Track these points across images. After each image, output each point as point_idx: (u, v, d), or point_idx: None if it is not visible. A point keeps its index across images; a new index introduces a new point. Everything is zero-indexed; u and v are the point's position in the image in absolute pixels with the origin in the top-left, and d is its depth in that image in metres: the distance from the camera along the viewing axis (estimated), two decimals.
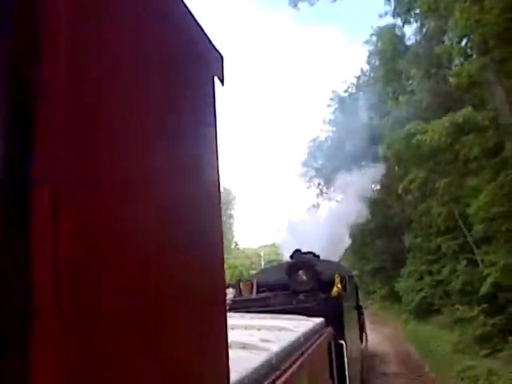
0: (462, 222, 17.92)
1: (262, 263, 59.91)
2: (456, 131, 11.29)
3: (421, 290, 22.13)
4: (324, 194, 38.21)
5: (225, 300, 0.96)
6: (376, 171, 25.34)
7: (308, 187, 39.73)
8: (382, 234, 30.67)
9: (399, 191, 21.79)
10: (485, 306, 14.51)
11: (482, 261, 15.84)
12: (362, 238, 32.39)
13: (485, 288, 13.16)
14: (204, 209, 0.87)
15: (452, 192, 14.68)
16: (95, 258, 0.53)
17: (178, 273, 0.72)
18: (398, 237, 29.65)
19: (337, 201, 31.94)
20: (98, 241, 0.54)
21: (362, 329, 12.97)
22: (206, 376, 0.78)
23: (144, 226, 0.63)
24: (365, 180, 24.92)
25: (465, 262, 16.96)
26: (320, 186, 38.99)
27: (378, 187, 35.46)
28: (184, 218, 0.77)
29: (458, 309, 15.43)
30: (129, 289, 0.59)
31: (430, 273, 22.00)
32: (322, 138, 38.86)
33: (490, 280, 13.00)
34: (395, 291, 26.28)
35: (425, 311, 21.91)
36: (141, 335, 0.60)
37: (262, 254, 65.80)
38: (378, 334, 22.57)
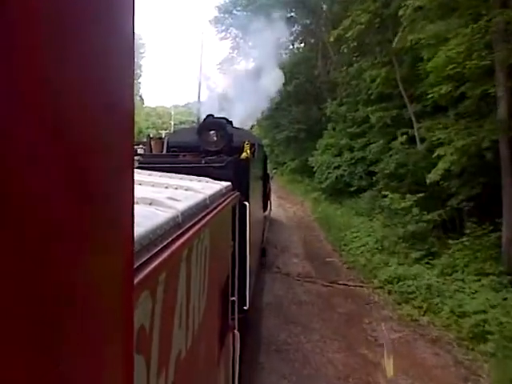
0: (403, 88, 14.13)
1: (172, 123, 58.18)
2: None
3: (338, 167, 18.91)
4: (240, 49, 32.64)
5: (133, 158, 0.83)
6: None
7: (223, 38, 33.70)
8: (301, 99, 26.59)
9: (331, 39, 17.19)
10: (421, 195, 11.29)
11: (423, 140, 12.38)
12: (278, 102, 28.25)
13: (435, 174, 9.64)
14: (114, 52, 0.70)
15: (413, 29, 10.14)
16: None
17: (81, 129, 0.60)
18: (318, 104, 25.80)
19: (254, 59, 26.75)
20: None
21: (267, 198, 12.73)
22: (109, 230, 0.71)
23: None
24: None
25: (404, 137, 13.36)
26: (237, 39, 33.16)
27: (302, 45, 30.70)
28: (86, 64, 0.61)
29: (387, 195, 12.08)
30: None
31: (352, 149, 18.65)
32: None
33: (443, 165, 9.45)
34: (308, 165, 23.23)
35: (340, 192, 18.96)
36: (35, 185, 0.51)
37: (173, 113, 62.97)
38: (285, 214, 19.54)
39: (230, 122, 8.82)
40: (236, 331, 3.97)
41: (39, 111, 0.48)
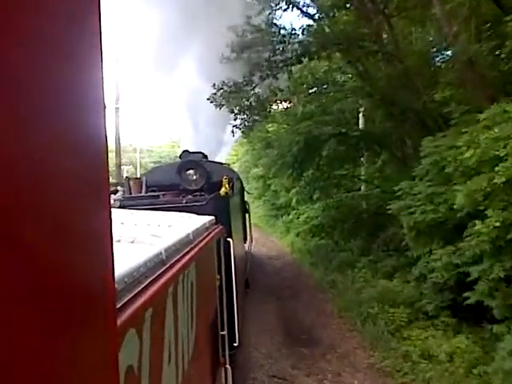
0: None
1: (137, 156, 53.58)
2: None
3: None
4: None
5: (109, 197, 0.86)
6: None
7: None
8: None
9: None
10: None
11: None
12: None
13: None
14: (83, 99, 0.70)
15: None
16: None
17: (53, 171, 0.60)
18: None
19: None
20: None
21: (246, 230, 11.90)
22: (90, 273, 0.71)
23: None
24: None
25: None
26: None
27: None
28: (53, 111, 0.60)
29: None
30: None
31: None
32: None
33: None
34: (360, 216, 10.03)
35: None
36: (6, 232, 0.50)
37: (139, 148, 56.65)
38: None
39: (206, 156, 8.60)
40: (227, 366, 3.94)
41: (12, 155, 0.46)
